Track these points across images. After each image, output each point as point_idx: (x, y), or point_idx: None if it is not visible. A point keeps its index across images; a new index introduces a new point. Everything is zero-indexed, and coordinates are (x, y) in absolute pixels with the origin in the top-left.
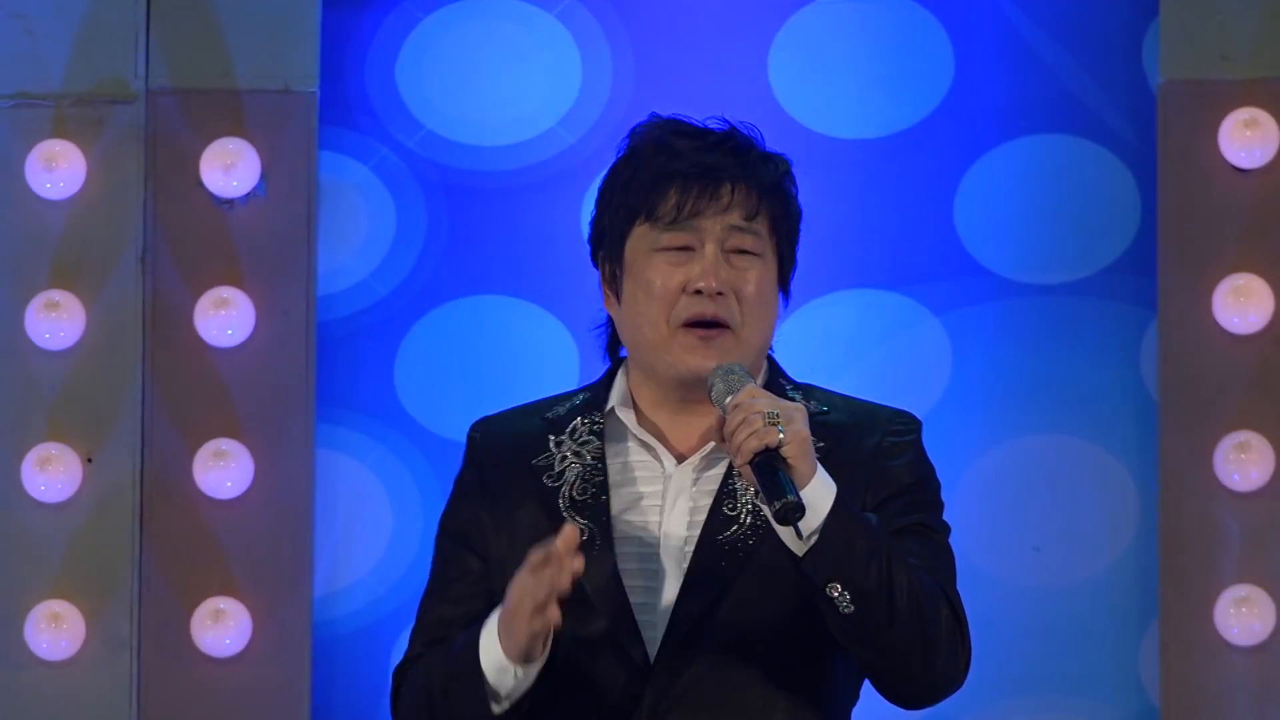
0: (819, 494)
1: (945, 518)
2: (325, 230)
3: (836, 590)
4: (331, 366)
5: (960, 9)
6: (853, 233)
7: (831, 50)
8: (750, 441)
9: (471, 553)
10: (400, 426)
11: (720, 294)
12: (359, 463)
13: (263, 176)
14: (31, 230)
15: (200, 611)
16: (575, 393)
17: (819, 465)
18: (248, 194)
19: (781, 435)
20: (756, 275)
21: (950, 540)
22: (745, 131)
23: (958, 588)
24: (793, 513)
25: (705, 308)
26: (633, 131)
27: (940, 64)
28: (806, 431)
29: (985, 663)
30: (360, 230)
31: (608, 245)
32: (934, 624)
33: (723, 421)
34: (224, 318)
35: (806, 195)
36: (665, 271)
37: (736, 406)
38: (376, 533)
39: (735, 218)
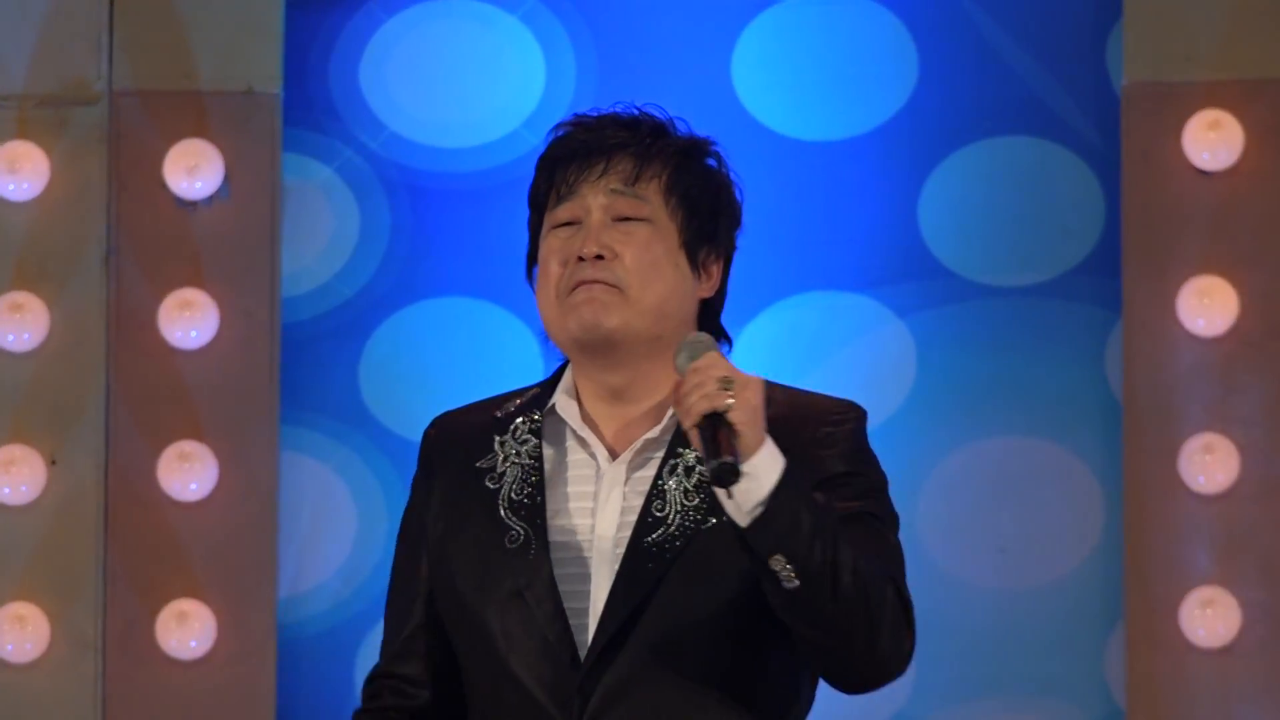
0: (766, 466)
1: (906, 513)
2: (289, 232)
3: (780, 564)
4: (295, 368)
5: (924, 11)
6: (817, 235)
7: (795, 52)
8: (700, 404)
9: (423, 560)
10: (364, 429)
11: (600, 257)
12: (323, 465)
13: (226, 178)
14: None
15: (165, 614)
16: (530, 388)
17: (769, 440)
18: (211, 195)
19: (731, 401)
20: (644, 238)
21: (898, 531)
22: (655, 113)
23: (908, 579)
24: (727, 475)
25: (585, 272)
26: (550, 131)
27: (904, 66)
28: (759, 402)
29: (950, 664)
30: (324, 232)
31: (531, 250)
32: (878, 605)
33: (680, 385)
34: (188, 319)
35: (771, 197)
36: (555, 249)
37: (695, 370)
38: (341, 535)
39: (614, 182)
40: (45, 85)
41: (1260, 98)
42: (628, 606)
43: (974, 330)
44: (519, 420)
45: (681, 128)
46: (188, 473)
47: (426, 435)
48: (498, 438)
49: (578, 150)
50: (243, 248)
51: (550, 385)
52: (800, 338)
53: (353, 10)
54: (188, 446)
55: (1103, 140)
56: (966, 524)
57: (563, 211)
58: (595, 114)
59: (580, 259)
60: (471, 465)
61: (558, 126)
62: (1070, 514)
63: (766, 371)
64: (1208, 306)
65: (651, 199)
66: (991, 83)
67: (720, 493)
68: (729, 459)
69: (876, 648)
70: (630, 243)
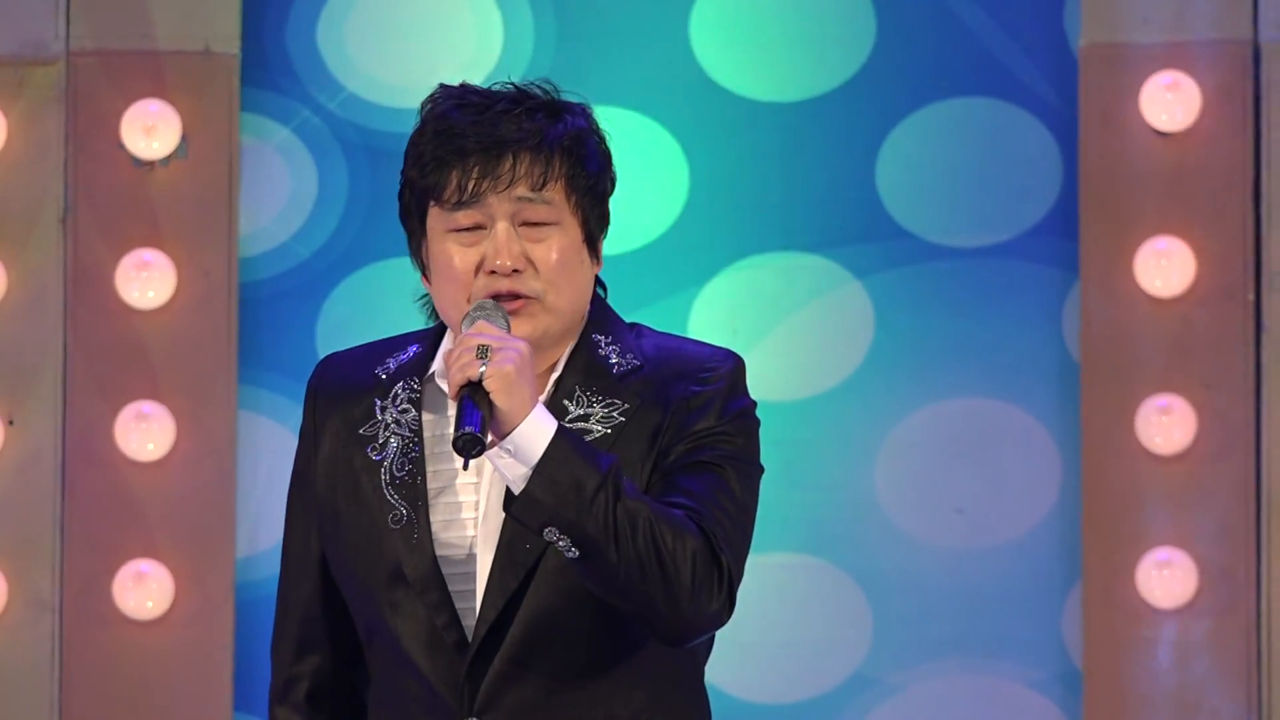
0: (532, 436)
1: (864, 475)
2: (247, 192)
3: (554, 534)
4: (253, 329)
5: None
6: (774, 196)
7: (753, 13)
8: (456, 375)
9: (313, 532)
10: None
11: (517, 270)
12: (281, 425)
13: (184, 138)
14: None
15: (123, 574)
16: (413, 340)
17: (539, 409)
18: (169, 156)
19: (482, 369)
20: (555, 243)
21: (755, 480)
22: (533, 93)
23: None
24: (467, 447)
25: (500, 285)
26: (423, 104)
27: (862, 26)
28: (512, 369)
29: (908, 624)
30: (282, 192)
31: (411, 221)
32: (676, 568)
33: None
34: (145, 279)
35: (729, 158)
36: (460, 253)
37: (458, 341)
38: None
39: (522, 189)
40: (2, 46)
41: (1217, 59)
42: (506, 592)
43: (931, 291)
44: (398, 387)
45: (557, 96)
46: (145, 432)
47: (311, 384)
48: (379, 402)
49: (474, 148)
50: (200, 208)
51: (433, 345)
52: (758, 299)
53: None
54: (145, 406)
55: (1060, 101)
56: (924, 485)
57: (464, 216)
58: (477, 95)
59: (493, 271)
60: (355, 431)
61: (437, 105)
62: (1028, 475)
63: (724, 333)
64: (1165, 267)
65: (556, 201)
66: (949, 44)
67: (501, 471)
68: (468, 430)
69: (679, 608)
70: (541, 250)
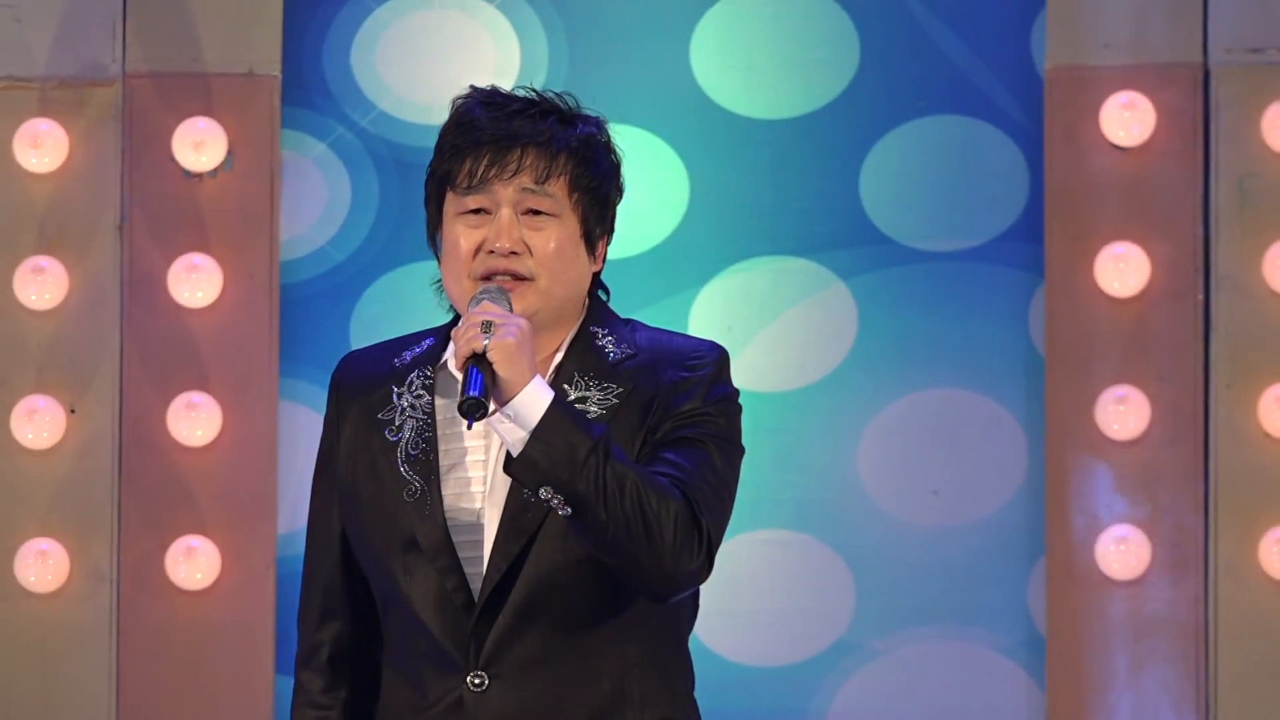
0: (531, 403)
1: (848, 459)
2: (287, 202)
3: (549, 493)
4: (293, 325)
5: (865, 1)
6: (767, 205)
7: (748, 38)
8: (463, 348)
9: (335, 507)
10: None
11: (514, 253)
12: (318, 413)
13: (229, 152)
14: (19, 202)
15: (174, 548)
16: (428, 334)
17: (537, 379)
18: (216, 168)
19: (486, 342)
20: (553, 233)
21: (736, 459)
22: (551, 99)
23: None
24: (471, 410)
25: (497, 264)
26: (454, 100)
27: (846, 51)
28: (513, 341)
29: (888, 595)
30: (319, 202)
31: (430, 210)
32: (660, 527)
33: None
34: (194, 281)
35: (726, 170)
36: (465, 234)
37: (465, 318)
38: None
39: (526, 180)
40: (65, 69)
41: (1170, 80)
42: (509, 555)
43: (909, 292)
44: (414, 375)
45: (576, 108)
46: (194, 420)
47: (334, 378)
48: (396, 389)
49: (487, 140)
50: (244, 216)
51: (445, 338)
52: (752, 298)
53: None
54: (194, 396)
55: (1027, 119)
56: (903, 468)
57: (472, 200)
58: (500, 96)
59: (492, 251)
60: (374, 416)
61: (463, 103)
62: (997, 459)
63: (720, 328)
64: (1122, 270)
65: (558, 195)
66: (926, 67)
67: (502, 436)
68: (472, 395)
69: (662, 565)
70: (540, 238)
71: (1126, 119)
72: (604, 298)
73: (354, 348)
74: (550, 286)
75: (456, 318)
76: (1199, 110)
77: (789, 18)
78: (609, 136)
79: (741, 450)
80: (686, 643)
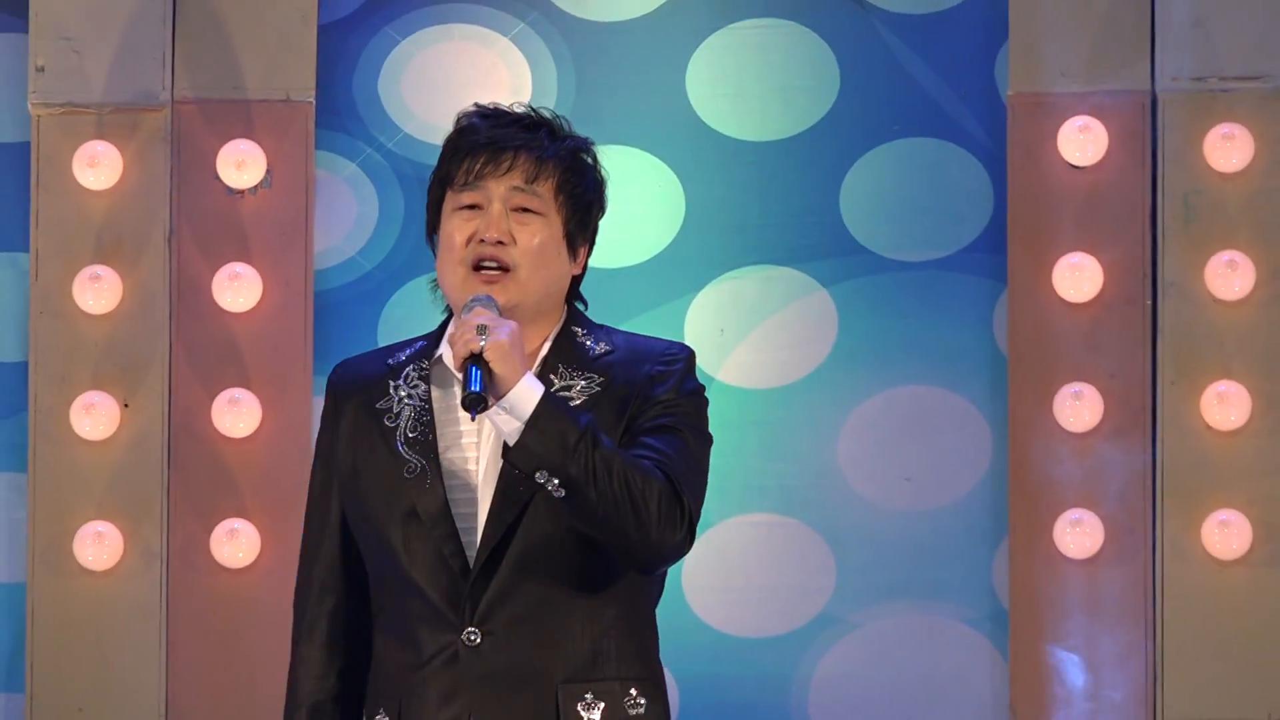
0: (523, 397)
1: (829, 450)
2: (320, 216)
3: (543, 477)
4: (326, 328)
5: (845, 34)
6: (756, 218)
7: (738, 68)
8: (461, 349)
9: (334, 488)
10: None
11: (501, 243)
12: None
13: (268, 171)
14: (78, 216)
15: (218, 530)
16: (419, 339)
17: (529, 375)
18: (256, 186)
19: (483, 343)
20: (537, 230)
21: (705, 447)
22: (545, 116)
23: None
24: (473, 405)
25: (486, 251)
26: (457, 116)
27: (827, 80)
28: (506, 341)
29: (865, 572)
30: (349, 216)
31: (430, 214)
32: (645, 504)
33: (452, 335)
34: (236, 288)
35: (719, 188)
36: (459, 226)
37: (460, 322)
38: None
39: (516, 179)
40: (119, 96)
41: (1121, 106)
42: (504, 524)
43: (885, 297)
44: (410, 369)
45: (567, 127)
46: (236, 414)
47: (331, 380)
48: (392, 383)
49: (485, 144)
50: (282, 229)
51: (436, 338)
52: (742, 303)
53: (372, 33)
54: (236, 393)
55: (991, 141)
56: (879, 457)
57: (467, 196)
58: (499, 110)
59: (482, 240)
60: (372, 406)
61: (466, 115)
62: (964, 449)
63: (712, 330)
64: (1078, 278)
65: (545, 196)
66: (900, 94)
67: (498, 426)
68: (473, 391)
69: (648, 539)
70: (525, 232)
71: (1081, 141)
72: (582, 307)
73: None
74: (529, 278)
75: (444, 322)
76: (1147, 133)
77: (775, 49)
78: (595, 156)
79: (710, 438)
80: (654, 613)
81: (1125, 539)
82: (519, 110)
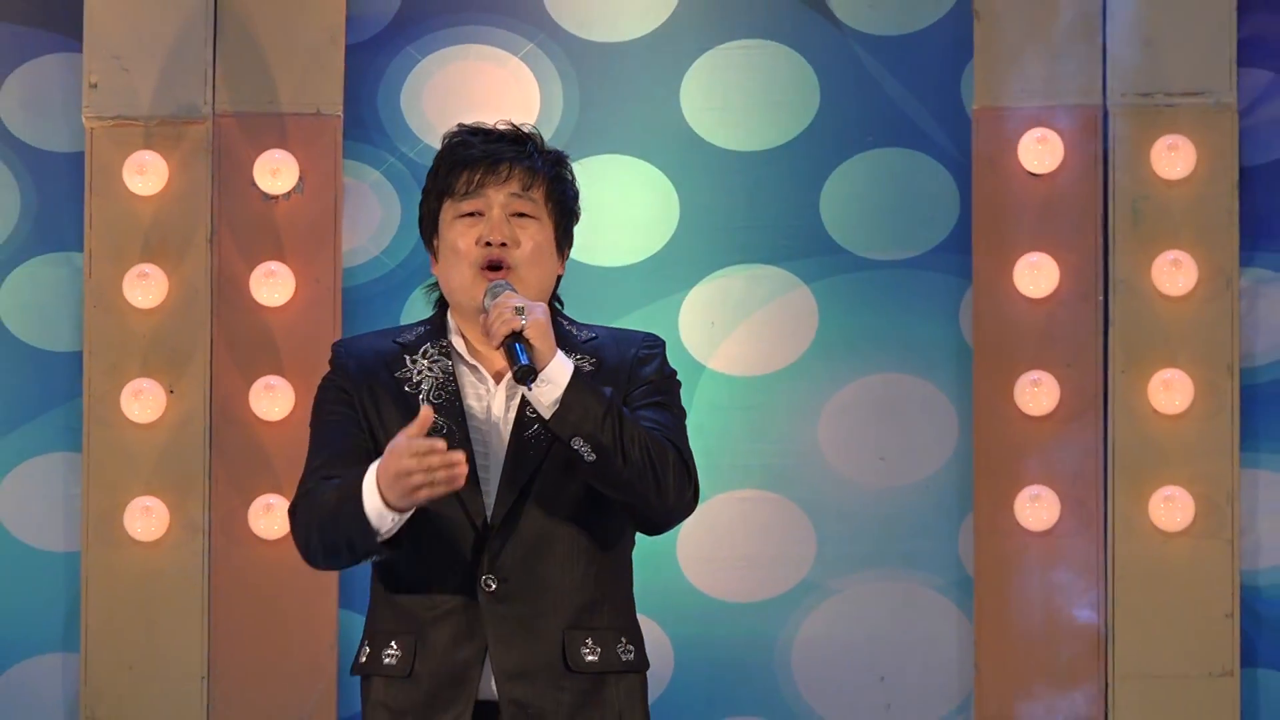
0: (558, 371)
1: (809, 432)
2: (348, 219)
3: (579, 443)
4: (353, 321)
5: (824, 53)
6: (743, 221)
7: (727, 84)
8: (502, 328)
9: (348, 410)
10: None
11: (504, 245)
12: None
13: (300, 178)
14: (127, 219)
15: (255, 505)
16: (415, 325)
17: (560, 352)
18: (289, 192)
19: (524, 321)
20: (533, 232)
21: (684, 419)
22: (526, 132)
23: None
24: (527, 376)
25: (492, 253)
26: (444, 136)
27: (809, 94)
28: (545, 321)
29: (843, 544)
30: (374, 219)
31: (427, 224)
32: (662, 468)
33: (486, 317)
34: (271, 284)
35: (709, 194)
36: (464, 232)
37: (496, 304)
38: None
39: (514, 187)
40: (165, 109)
41: (1075, 119)
42: (519, 482)
43: (861, 294)
44: (426, 345)
45: (544, 142)
46: (272, 400)
47: (335, 350)
48: (409, 356)
49: (481, 157)
50: (313, 231)
51: (436, 325)
52: (731, 299)
53: (395, 52)
54: (272, 380)
55: (957, 151)
56: (856, 439)
57: (468, 204)
58: (486, 129)
59: (488, 243)
60: (389, 373)
61: (455, 134)
62: (933, 431)
63: (703, 325)
64: (1036, 276)
65: (538, 201)
66: (874, 108)
67: (530, 395)
68: (525, 364)
69: (665, 499)
70: (525, 235)
71: (1039, 151)
72: (559, 306)
73: (372, 331)
74: (527, 277)
75: (439, 312)
76: (1099, 144)
77: (761, 68)
78: (569, 166)
79: (685, 413)
80: (631, 577)
81: (1079, 513)
82: (502, 128)
